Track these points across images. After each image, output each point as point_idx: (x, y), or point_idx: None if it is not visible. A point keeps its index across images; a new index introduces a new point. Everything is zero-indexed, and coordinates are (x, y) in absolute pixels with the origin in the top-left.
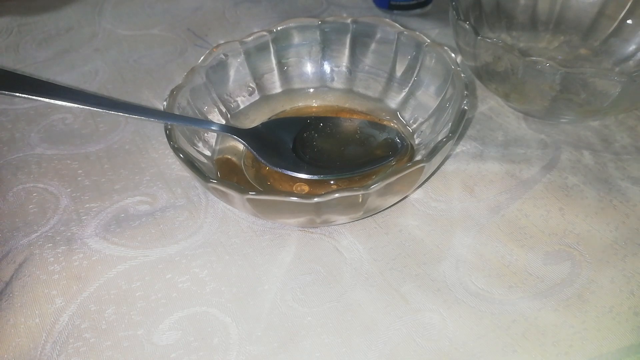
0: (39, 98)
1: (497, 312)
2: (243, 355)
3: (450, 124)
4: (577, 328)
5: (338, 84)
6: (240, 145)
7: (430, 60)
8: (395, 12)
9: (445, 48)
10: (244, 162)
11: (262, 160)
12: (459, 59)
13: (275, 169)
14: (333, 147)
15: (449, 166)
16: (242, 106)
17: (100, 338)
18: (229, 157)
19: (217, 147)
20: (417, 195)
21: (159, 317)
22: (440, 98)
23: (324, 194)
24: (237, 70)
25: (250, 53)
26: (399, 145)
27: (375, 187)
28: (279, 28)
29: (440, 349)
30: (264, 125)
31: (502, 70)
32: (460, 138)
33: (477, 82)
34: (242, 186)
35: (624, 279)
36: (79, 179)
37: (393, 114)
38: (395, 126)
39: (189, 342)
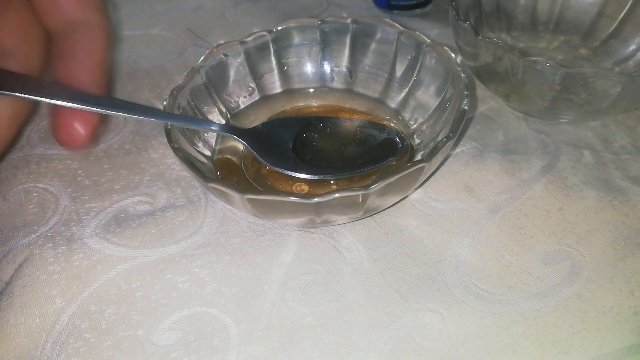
0: (39, 98)
1: (497, 312)
2: (243, 355)
3: (450, 124)
4: (577, 328)
5: (338, 84)
6: (240, 145)
7: (430, 60)
8: (395, 12)
9: (445, 48)
10: (244, 162)
11: (262, 160)
12: (459, 59)
13: (275, 169)
14: (333, 147)
15: (449, 166)
16: (242, 106)
17: (100, 338)
18: (229, 157)
19: (217, 147)
20: (417, 195)
21: (159, 317)
22: (440, 98)
23: (324, 194)
24: (237, 70)
25: (250, 53)
26: (399, 145)
27: (375, 187)
28: (279, 28)
29: (440, 349)
30: (264, 125)
31: (502, 71)
32: (460, 138)
33: (477, 82)
34: (242, 186)
35: (624, 279)
36: (79, 179)
37: (393, 114)
38: (395, 126)
39: (189, 342)
